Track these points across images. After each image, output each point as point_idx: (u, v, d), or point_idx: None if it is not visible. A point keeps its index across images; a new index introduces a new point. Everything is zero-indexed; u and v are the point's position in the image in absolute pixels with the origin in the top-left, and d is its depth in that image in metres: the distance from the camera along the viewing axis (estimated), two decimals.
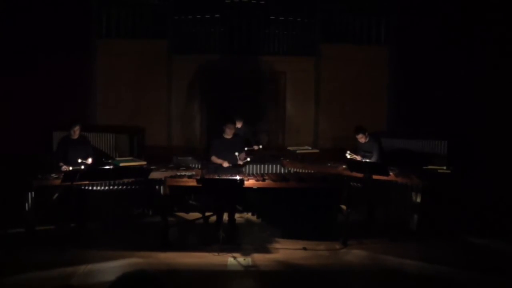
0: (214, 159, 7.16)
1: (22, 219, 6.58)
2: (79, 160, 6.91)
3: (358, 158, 7.53)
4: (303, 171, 8.05)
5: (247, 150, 7.90)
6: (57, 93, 9.48)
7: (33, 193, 6.55)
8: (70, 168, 6.85)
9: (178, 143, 10.86)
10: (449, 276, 5.64)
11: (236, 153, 7.07)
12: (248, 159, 7.37)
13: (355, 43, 10.94)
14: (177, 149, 10.34)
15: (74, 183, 6.43)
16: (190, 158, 8.69)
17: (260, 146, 8.51)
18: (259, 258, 6.09)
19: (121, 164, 7.32)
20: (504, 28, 8.79)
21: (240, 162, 7.15)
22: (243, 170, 7.46)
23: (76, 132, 7.16)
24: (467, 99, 9.21)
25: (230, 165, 7.03)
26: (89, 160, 7.12)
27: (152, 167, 7.19)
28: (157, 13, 10.85)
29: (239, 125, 8.49)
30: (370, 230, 7.07)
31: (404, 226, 6.97)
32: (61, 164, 6.97)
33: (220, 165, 7.06)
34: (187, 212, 7.71)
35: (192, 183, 6.64)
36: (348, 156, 7.54)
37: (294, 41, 10.93)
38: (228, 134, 7.13)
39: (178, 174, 7.18)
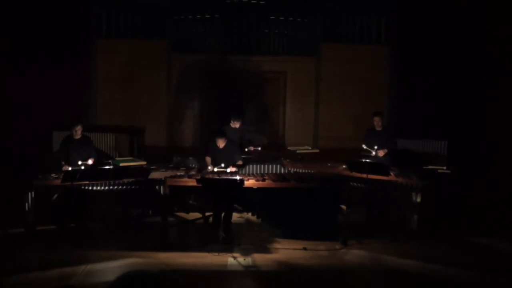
0: (207, 159, 7.31)
1: (22, 219, 6.58)
2: (79, 162, 6.91)
3: (373, 152, 7.64)
4: (303, 171, 8.05)
5: (246, 151, 7.98)
6: (57, 92, 9.48)
7: (33, 193, 6.55)
8: (70, 168, 6.86)
9: (178, 143, 10.85)
10: (449, 276, 5.65)
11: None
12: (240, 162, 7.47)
13: (355, 43, 10.93)
14: (177, 149, 10.34)
15: (74, 183, 6.43)
16: (190, 158, 8.70)
17: (259, 148, 8.49)
18: (259, 258, 6.10)
19: (121, 164, 7.32)
20: (504, 27, 8.79)
21: (233, 169, 7.12)
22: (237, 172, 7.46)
23: (78, 132, 7.19)
24: (467, 99, 9.21)
25: (214, 169, 7.03)
26: (90, 161, 7.13)
27: (152, 167, 7.19)
28: (157, 13, 10.84)
29: (237, 125, 8.44)
30: (370, 230, 7.07)
31: (404, 226, 6.97)
32: (63, 163, 6.99)
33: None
34: (187, 212, 7.72)
35: (192, 183, 6.64)
36: (365, 147, 7.72)
37: (294, 41, 10.92)
38: (220, 145, 7.18)
39: (178, 174, 7.19)
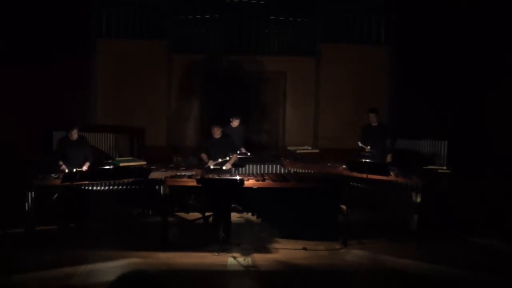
0: (203, 156, 7.34)
1: (22, 219, 6.57)
2: (74, 170, 6.87)
3: (368, 148, 7.82)
4: (303, 171, 8.05)
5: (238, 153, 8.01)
6: (57, 93, 9.47)
7: (33, 193, 6.55)
8: (67, 169, 6.86)
9: (178, 143, 10.86)
10: (449, 276, 5.64)
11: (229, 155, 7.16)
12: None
13: (355, 43, 10.94)
14: (177, 149, 10.34)
15: (74, 183, 6.43)
16: (190, 158, 8.70)
17: (248, 154, 8.40)
18: (259, 258, 6.09)
19: (121, 164, 7.32)
20: (504, 28, 8.79)
21: (228, 165, 7.15)
22: (232, 171, 7.46)
23: (74, 135, 7.18)
24: (467, 99, 9.20)
25: (215, 165, 7.05)
26: (84, 167, 7.10)
27: (152, 167, 7.19)
28: (157, 13, 10.84)
29: (235, 123, 8.43)
30: (370, 230, 7.07)
31: (404, 226, 6.97)
32: (61, 163, 6.98)
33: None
34: (187, 212, 7.71)
35: (192, 183, 6.64)
36: (360, 144, 7.96)
37: (294, 41, 10.93)
38: (216, 135, 7.20)
39: (178, 174, 7.18)
